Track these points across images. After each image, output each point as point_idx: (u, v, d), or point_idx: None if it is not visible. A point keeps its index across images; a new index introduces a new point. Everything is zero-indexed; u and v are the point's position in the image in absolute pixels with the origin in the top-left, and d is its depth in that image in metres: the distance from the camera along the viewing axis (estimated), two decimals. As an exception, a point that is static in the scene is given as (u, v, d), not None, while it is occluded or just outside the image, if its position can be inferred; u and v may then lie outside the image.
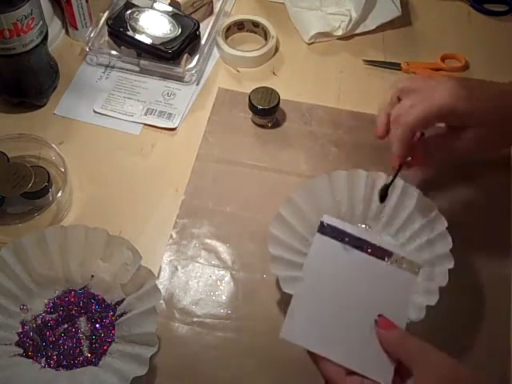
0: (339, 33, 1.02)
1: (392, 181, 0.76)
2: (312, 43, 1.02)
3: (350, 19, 1.01)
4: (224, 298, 0.76)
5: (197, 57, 0.97)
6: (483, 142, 0.74)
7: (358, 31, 1.03)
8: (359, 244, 0.66)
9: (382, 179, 0.79)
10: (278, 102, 0.90)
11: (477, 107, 0.71)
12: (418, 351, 0.59)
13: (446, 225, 0.75)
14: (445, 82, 0.73)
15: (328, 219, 0.67)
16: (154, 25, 0.97)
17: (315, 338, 0.62)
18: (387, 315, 0.63)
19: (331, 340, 0.62)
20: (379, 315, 0.62)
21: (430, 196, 0.79)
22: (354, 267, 0.66)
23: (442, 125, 0.75)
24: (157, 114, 0.93)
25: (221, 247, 0.81)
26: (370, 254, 0.66)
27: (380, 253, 0.66)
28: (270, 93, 0.90)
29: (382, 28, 1.03)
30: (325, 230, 0.67)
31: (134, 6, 0.99)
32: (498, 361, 0.71)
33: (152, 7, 0.99)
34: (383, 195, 0.75)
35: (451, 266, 0.72)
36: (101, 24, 0.99)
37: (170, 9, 0.99)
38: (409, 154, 0.74)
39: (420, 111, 0.71)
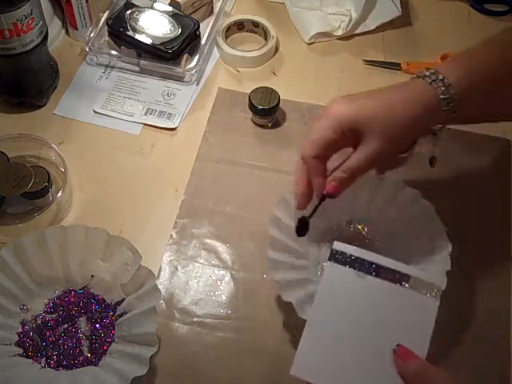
0: (339, 33, 1.02)
1: (314, 211, 0.70)
2: (312, 43, 1.02)
3: (350, 19, 1.01)
4: (224, 297, 0.76)
5: (197, 57, 0.97)
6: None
7: (357, 31, 1.03)
8: (374, 269, 0.63)
9: (380, 180, 0.78)
10: (278, 101, 0.90)
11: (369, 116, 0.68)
12: (440, 382, 0.57)
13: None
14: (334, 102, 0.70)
15: (339, 246, 0.64)
16: (154, 25, 0.97)
17: (329, 374, 0.59)
18: (407, 344, 0.59)
19: (347, 376, 0.59)
20: (398, 345, 0.59)
21: (428, 198, 0.79)
22: (369, 295, 0.62)
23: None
24: (157, 114, 0.93)
25: (221, 247, 0.81)
26: (385, 279, 0.62)
27: (396, 277, 0.62)
28: (269, 93, 0.90)
29: (381, 28, 1.03)
30: (336, 257, 0.64)
31: (134, 5, 0.99)
32: (497, 361, 0.71)
33: (152, 7, 0.99)
34: (301, 228, 0.71)
35: (448, 267, 0.71)
36: (101, 24, 0.99)
37: (170, 9, 0.99)
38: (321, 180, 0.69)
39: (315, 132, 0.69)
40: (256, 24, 1.02)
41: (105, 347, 0.71)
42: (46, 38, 0.89)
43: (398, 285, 0.62)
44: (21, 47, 0.85)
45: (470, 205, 0.84)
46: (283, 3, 1.06)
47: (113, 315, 0.73)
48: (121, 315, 0.72)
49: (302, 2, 1.04)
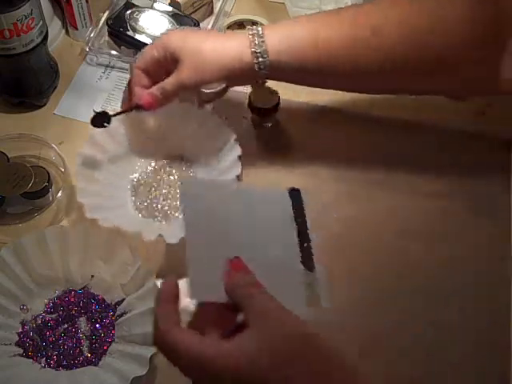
0: (339, 33, 1.02)
1: (119, 113, 0.80)
2: (312, 43, 1.02)
3: (350, 19, 1.01)
4: (224, 297, 0.76)
5: (197, 57, 0.97)
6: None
7: (357, 31, 1.03)
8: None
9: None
10: (278, 102, 0.89)
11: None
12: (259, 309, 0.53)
13: (239, 152, 0.81)
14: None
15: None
16: (154, 25, 0.97)
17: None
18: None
19: None
20: (235, 257, 0.57)
21: (426, 196, 0.79)
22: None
23: None
24: (157, 113, 0.93)
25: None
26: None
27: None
28: (270, 93, 0.90)
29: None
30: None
31: (134, 5, 0.98)
32: (498, 361, 0.71)
33: (152, 7, 0.99)
34: (97, 119, 0.80)
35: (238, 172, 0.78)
36: (101, 24, 0.99)
37: (170, 9, 0.99)
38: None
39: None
40: (256, 24, 1.02)
41: (105, 347, 0.71)
42: (46, 37, 0.89)
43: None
44: (21, 47, 0.85)
45: (469, 205, 0.84)
46: (283, 3, 1.06)
47: (113, 315, 0.73)
48: (121, 315, 0.72)
49: (301, 2, 1.04)
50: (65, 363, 0.70)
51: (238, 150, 0.81)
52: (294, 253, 0.61)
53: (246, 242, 0.60)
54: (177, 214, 0.81)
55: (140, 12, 0.98)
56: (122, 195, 0.83)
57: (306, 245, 0.61)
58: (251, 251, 0.59)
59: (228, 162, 0.81)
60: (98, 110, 0.81)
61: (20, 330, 0.72)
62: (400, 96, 0.96)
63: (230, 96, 0.94)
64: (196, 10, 1.02)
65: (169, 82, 0.77)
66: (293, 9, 1.04)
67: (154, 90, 0.78)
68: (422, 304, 0.75)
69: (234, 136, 0.82)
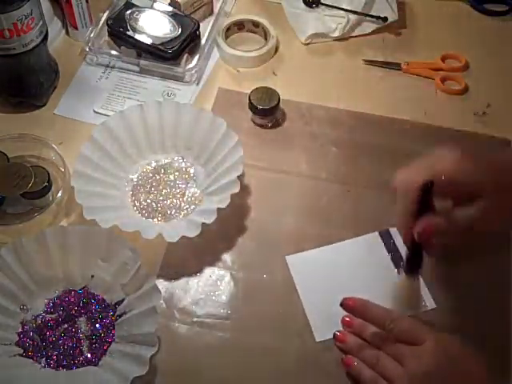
0: (336, 34, 1.02)
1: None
2: (311, 43, 1.02)
3: (348, 21, 1.01)
4: (224, 298, 0.76)
5: (197, 57, 0.97)
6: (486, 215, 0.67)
7: (354, 34, 1.03)
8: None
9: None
10: (278, 102, 0.90)
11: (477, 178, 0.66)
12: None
13: (241, 153, 0.81)
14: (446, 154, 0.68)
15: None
16: (154, 25, 0.97)
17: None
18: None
19: None
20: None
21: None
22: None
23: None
24: (157, 114, 0.93)
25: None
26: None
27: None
28: (269, 93, 0.90)
29: (381, 28, 1.03)
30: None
31: (133, 5, 0.99)
32: (498, 360, 0.71)
33: (152, 7, 0.99)
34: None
35: (237, 190, 0.78)
36: (101, 24, 0.99)
37: (170, 9, 0.99)
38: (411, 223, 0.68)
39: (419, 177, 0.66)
40: (256, 24, 1.02)
41: (105, 347, 0.71)
42: (46, 37, 0.89)
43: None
44: (21, 47, 0.85)
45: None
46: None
47: (113, 315, 0.73)
48: (121, 315, 0.72)
49: (298, 3, 1.04)
50: (65, 363, 0.70)
51: (240, 151, 0.81)
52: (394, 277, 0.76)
53: (352, 285, 0.76)
54: (176, 214, 0.82)
55: (140, 12, 0.98)
56: (122, 195, 0.83)
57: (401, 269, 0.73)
58: (358, 291, 0.73)
59: (230, 162, 0.81)
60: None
61: (20, 330, 0.72)
62: (400, 96, 0.96)
63: (230, 96, 0.95)
64: (196, 10, 1.02)
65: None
66: (289, 9, 1.05)
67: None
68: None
69: (237, 137, 0.82)
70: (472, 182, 0.66)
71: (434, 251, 0.69)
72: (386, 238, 0.80)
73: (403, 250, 0.74)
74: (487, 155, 0.69)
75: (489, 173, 0.66)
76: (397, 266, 0.77)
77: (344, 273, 0.77)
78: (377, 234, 0.80)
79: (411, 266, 0.71)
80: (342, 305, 0.72)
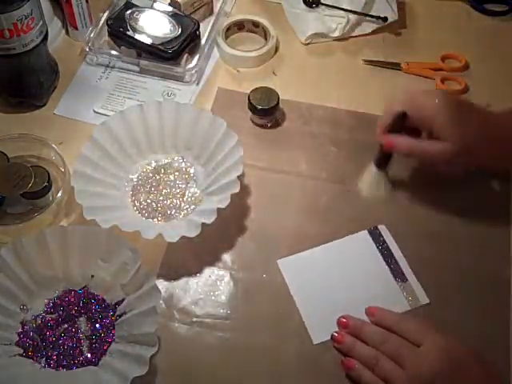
0: (336, 34, 1.02)
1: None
2: (311, 43, 1.02)
3: (348, 21, 1.01)
4: (224, 298, 0.76)
5: (197, 57, 0.97)
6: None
7: (354, 34, 1.03)
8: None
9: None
10: (278, 102, 0.90)
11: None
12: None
13: (242, 153, 0.81)
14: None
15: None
16: (154, 25, 0.97)
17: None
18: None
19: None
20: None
21: (429, 193, 0.80)
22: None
23: None
24: (157, 113, 0.93)
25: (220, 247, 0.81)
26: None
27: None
28: (269, 93, 0.90)
29: (381, 28, 1.03)
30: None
31: (134, 5, 0.99)
32: (497, 360, 0.71)
33: (152, 7, 0.99)
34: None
35: (237, 190, 0.78)
36: (101, 24, 0.99)
37: (170, 9, 0.99)
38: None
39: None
40: (256, 24, 1.02)
41: (105, 347, 0.71)
42: (46, 37, 0.89)
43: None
44: (21, 47, 0.86)
45: (469, 205, 0.84)
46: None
47: (113, 315, 0.73)
48: (121, 315, 0.72)
49: (298, 3, 1.04)
50: (65, 363, 0.70)
51: (240, 151, 0.81)
52: (386, 274, 0.77)
53: (345, 284, 0.77)
54: (176, 214, 0.82)
55: (140, 12, 0.98)
56: (122, 195, 0.83)
57: (392, 266, 0.78)
58: (351, 290, 0.76)
59: (230, 162, 0.81)
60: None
61: (20, 330, 0.72)
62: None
63: (229, 96, 0.95)
64: (196, 10, 1.02)
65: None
66: (289, 9, 1.05)
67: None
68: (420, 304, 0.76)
69: (237, 137, 0.82)
70: (443, 127, 0.76)
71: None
72: (375, 235, 0.80)
73: (392, 246, 0.79)
74: (472, 108, 0.80)
75: (460, 123, 0.77)
76: (387, 261, 0.78)
77: (336, 273, 0.78)
78: (366, 231, 0.81)
79: (380, 160, 0.83)
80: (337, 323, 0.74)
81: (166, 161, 0.86)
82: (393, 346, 0.69)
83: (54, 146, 0.85)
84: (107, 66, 0.99)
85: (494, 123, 0.79)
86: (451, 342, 0.67)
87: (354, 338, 0.71)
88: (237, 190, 0.78)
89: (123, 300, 0.73)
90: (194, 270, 0.78)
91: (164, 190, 0.84)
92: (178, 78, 0.96)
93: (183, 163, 0.86)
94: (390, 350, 0.69)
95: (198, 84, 0.97)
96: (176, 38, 0.96)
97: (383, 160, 0.83)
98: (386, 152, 0.82)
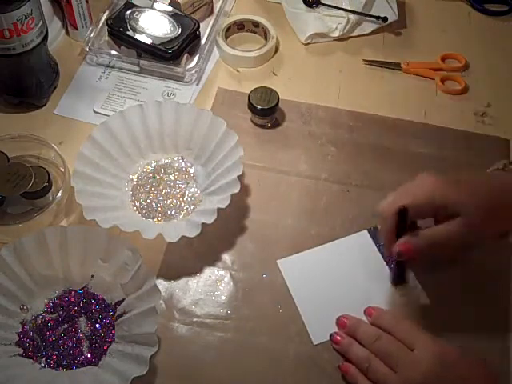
0: (336, 34, 1.02)
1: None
2: (311, 43, 1.02)
3: (348, 21, 1.01)
4: (224, 298, 0.77)
5: (197, 57, 0.97)
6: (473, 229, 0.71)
7: (354, 34, 1.03)
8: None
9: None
10: (278, 102, 0.90)
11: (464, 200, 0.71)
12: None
13: (241, 153, 0.81)
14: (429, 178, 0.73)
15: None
16: (154, 25, 0.97)
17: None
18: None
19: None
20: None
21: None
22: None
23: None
24: (157, 113, 0.93)
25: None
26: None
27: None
28: (269, 93, 0.90)
29: (381, 28, 1.03)
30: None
31: (134, 5, 0.99)
32: (498, 360, 0.71)
33: (152, 7, 0.99)
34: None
35: (237, 190, 0.78)
36: (101, 24, 0.99)
37: (170, 9, 0.99)
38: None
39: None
40: (256, 24, 1.02)
41: (105, 347, 0.71)
42: (46, 37, 0.89)
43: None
44: (21, 47, 0.85)
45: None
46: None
47: (113, 315, 0.73)
48: (121, 315, 0.72)
49: (298, 3, 1.04)
50: (65, 363, 0.70)
51: (240, 151, 0.81)
52: (386, 274, 0.77)
53: (345, 284, 0.77)
54: (176, 214, 0.82)
55: (140, 12, 0.98)
56: (122, 195, 0.83)
57: (392, 266, 0.77)
58: (351, 290, 0.76)
59: (230, 162, 0.81)
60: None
61: (20, 330, 0.72)
62: (400, 96, 0.96)
63: (229, 96, 0.95)
64: (196, 10, 1.02)
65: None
66: (289, 9, 1.05)
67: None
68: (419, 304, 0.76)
69: (237, 137, 0.82)
70: (449, 203, 0.70)
71: (418, 264, 0.76)
72: (375, 235, 0.80)
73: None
74: (464, 177, 0.74)
75: (465, 194, 0.71)
76: (387, 261, 0.78)
77: (336, 273, 0.78)
78: (365, 231, 0.81)
79: (397, 279, 0.77)
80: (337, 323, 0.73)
81: (166, 161, 0.86)
82: (383, 345, 0.68)
83: (53, 145, 0.85)
84: (107, 66, 0.99)
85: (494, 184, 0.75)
86: (446, 347, 0.67)
87: (351, 338, 0.71)
88: (237, 190, 0.78)
89: (123, 300, 0.73)
90: (194, 270, 0.79)
91: (164, 190, 0.84)
92: (178, 78, 0.96)
93: (183, 163, 0.86)
94: (379, 348, 0.68)
95: (198, 84, 0.97)
96: (176, 37, 0.96)
97: (401, 272, 0.77)
98: (402, 263, 0.75)
